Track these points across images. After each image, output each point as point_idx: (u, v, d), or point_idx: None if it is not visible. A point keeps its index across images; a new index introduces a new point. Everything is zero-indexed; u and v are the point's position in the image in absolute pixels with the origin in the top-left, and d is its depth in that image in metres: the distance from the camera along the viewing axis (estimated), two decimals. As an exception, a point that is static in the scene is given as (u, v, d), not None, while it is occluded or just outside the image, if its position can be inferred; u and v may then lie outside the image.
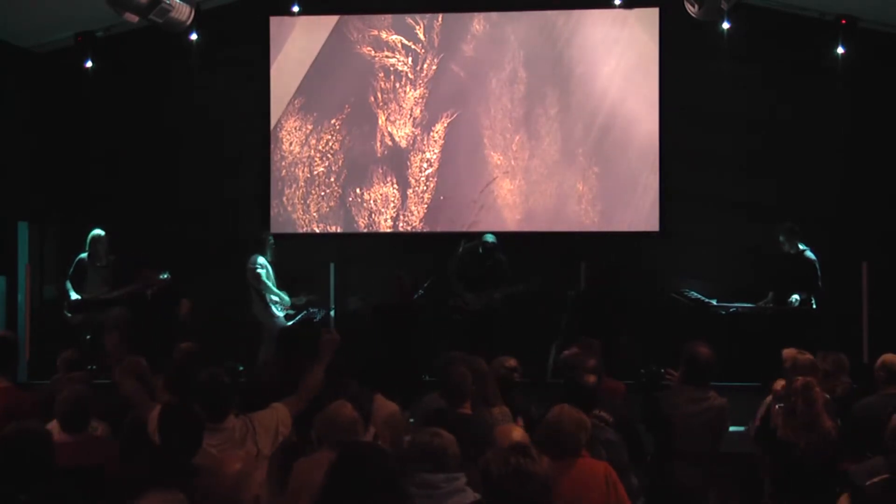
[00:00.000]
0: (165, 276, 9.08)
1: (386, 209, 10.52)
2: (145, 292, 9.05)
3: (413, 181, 10.49)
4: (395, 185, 10.51)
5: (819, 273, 8.81)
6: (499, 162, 10.41)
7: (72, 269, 9.26)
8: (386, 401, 5.38)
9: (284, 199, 10.61)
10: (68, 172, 10.61)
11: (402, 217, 10.49)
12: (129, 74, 10.44)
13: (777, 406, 5.15)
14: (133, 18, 8.37)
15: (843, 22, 9.43)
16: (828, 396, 5.45)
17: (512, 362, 5.74)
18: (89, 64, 9.93)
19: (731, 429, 5.56)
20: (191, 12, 8.78)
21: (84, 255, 9.27)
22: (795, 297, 8.71)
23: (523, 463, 3.23)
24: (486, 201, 10.38)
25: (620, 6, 10.06)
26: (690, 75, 10.08)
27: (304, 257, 10.23)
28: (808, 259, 8.84)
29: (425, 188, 10.48)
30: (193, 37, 9.67)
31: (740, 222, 9.95)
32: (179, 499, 3.48)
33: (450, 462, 3.65)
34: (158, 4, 8.25)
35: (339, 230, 10.57)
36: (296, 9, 10.34)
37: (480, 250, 9.32)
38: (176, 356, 5.90)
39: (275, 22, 10.60)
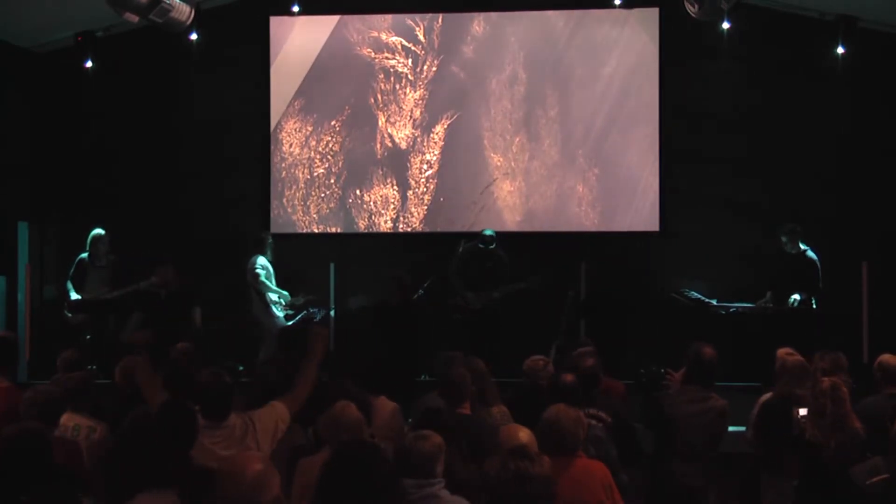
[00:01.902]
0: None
1: (386, 211, 10.50)
2: (159, 292, 9.04)
3: (413, 183, 10.48)
4: (395, 187, 10.50)
5: (820, 273, 8.82)
6: (499, 163, 10.40)
7: (72, 269, 9.26)
8: (387, 401, 5.37)
9: (284, 200, 10.60)
10: (68, 172, 10.61)
11: (401, 218, 10.48)
12: (129, 74, 10.44)
13: (802, 412, 5.11)
14: (133, 18, 8.38)
15: (844, 22, 9.43)
16: None
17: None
18: (89, 64, 9.93)
19: (731, 429, 5.55)
20: (191, 12, 8.79)
21: (84, 255, 9.27)
22: (795, 296, 8.71)
23: (522, 466, 3.20)
24: (486, 203, 10.37)
25: (620, 6, 10.06)
26: (690, 75, 10.09)
27: (304, 257, 10.22)
28: (809, 259, 8.84)
29: (425, 190, 10.47)
30: (193, 37, 9.68)
31: (740, 222, 9.94)
32: (172, 500, 3.47)
33: (423, 467, 3.55)
34: (158, 4, 8.25)
35: (339, 231, 10.57)
36: (296, 9, 10.34)
37: (481, 245, 9.32)
38: (172, 356, 5.90)
39: (275, 22, 10.60)
